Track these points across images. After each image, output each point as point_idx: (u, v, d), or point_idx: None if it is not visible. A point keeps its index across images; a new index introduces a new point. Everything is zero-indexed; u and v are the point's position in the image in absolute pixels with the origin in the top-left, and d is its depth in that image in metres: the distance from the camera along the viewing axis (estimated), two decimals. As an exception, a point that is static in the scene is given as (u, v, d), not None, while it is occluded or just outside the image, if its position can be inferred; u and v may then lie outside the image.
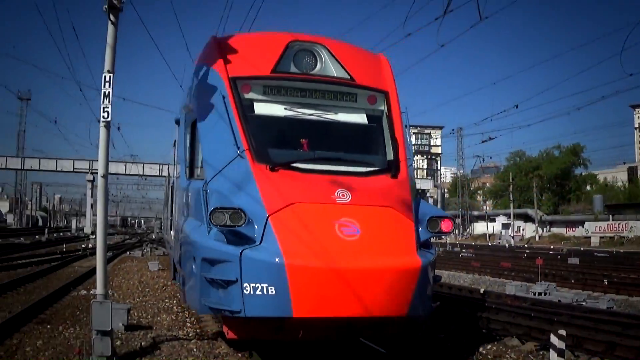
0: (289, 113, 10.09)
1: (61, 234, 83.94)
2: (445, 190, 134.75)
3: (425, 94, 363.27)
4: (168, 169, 17.70)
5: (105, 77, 9.55)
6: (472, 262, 35.44)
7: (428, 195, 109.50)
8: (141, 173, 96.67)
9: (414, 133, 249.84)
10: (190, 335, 11.55)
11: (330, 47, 10.64)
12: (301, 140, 9.90)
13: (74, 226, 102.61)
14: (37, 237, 61.39)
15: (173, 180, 15.24)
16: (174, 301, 16.13)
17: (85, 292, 17.72)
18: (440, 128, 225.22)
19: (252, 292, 7.86)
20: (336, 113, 10.37)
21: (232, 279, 8.03)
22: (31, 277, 21.04)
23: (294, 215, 8.28)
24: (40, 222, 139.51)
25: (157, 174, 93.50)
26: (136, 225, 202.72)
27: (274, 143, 9.85)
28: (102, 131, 9.62)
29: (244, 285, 7.89)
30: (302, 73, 10.32)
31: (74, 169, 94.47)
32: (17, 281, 19.23)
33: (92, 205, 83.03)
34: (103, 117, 9.55)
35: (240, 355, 9.69)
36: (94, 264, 9.74)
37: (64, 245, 43.66)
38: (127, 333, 11.31)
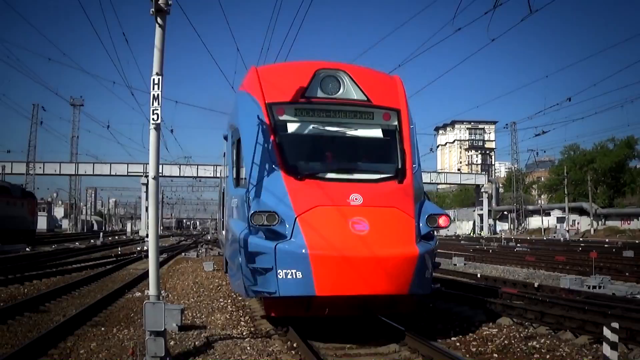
0: (316, 131, 11.96)
1: (116, 237, 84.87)
2: (500, 185, 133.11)
3: (477, 89, 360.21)
4: (221, 172, 19.38)
5: (154, 79, 9.60)
6: (527, 256, 34.87)
7: (482, 190, 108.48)
8: (195, 175, 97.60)
9: (467, 128, 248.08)
10: (244, 333, 11.58)
11: (351, 72, 12.54)
12: (326, 153, 11.99)
13: (129, 229, 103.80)
14: (92, 241, 62.21)
15: (224, 186, 17.20)
16: (229, 300, 16.24)
17: (139, 294, 17.87)
18: (494, 123, 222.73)
19: (284, 277, 9.87)
20: (356, 129, 12.22)
21: (268, 267, 10.01)
22: (86, 280, 21.21)
23: (317, 216, 10.25)
24: (95, 227, 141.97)
25: (211, 175, 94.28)
26: (191, 227, 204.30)
27: (303, 157, 11.78)
28: (152, 133, 9.70)
29: (278, 271, 9.90)
30: (327, 97, 12.25)
31: (127, 172, 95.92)
32: (71, 285, 19.36)
33: (146, 208, 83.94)
34: (153, 119, 9.61)
35: (283, 340, 10.68)
36: (148, 267, 9.84)
37: (119, 249, 44.28)
38: (180, 333, 11.38)
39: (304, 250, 9.76)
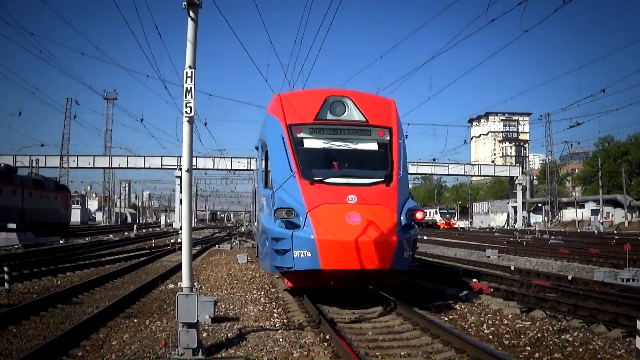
0: (325, 145, 15.25)
1: (150, 229, 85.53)
2: (534, 177, 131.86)
3: (511, 80, 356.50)
4: (254, 173, 23.13)
5: (186, 72, 9.66)
6: (561, 248, 34.53)
7: (516, 182, 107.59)
8: (229, 167, 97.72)
9: (501, 120, 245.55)
10: (277, 325, 11.65)
11: (354, 98, 15.79)
12: (332, 163, 15.09)
13: (163, 222, 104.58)
14: (125, 233, 62.89)
15: (256, 186, 21.18)
16: (262, 292, 16.35)
17: (172, 285, 18.04)
18: (528, 114, 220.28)
19: (298, 256, 12.97)
20: (357, 143, 15.41)
21: (287, 249, 13.13)
22: (119, 273, 21.37)
23: (322, 211, 13.36)
24: (129, 219, 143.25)
25: (245, 167, 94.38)
26: (225, 219, 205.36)
27: (314, 166, 14.73)
28: (186, 126, 9.76)
29: (294, 252, 13.01)
30: (335, 118, 15.50)
31: (161, 165, 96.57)
32: (105, 277, 19.50)
33: (180, 201, 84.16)
34: (186, 112, 9.67)
35: (316, 332, 11.07)
36: (182, 259, 9.92)
37: (153, 241, 44.78)
38: (213, 325, 11.47)
39: (312, 236, 12.89)
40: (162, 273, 20.82)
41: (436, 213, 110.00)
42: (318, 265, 12.91)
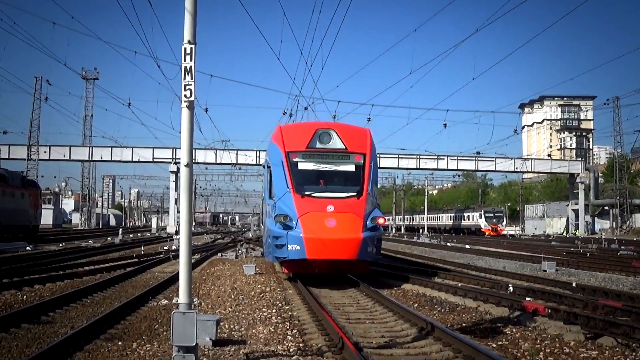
0: (314, 167, 23.57)
1: (139, 234, 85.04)
2: (599, 174, 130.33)
3: (571, 57, 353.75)
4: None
5: (185, 48, 9.55)
6: (634, 261, 34.29)
7: (578, 180, 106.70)
8: (234, 162, 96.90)
9: (559, 105, 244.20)
10: (291, 350, 11.59)
11: (337, 130, 24.29)
12: (319, 180, 23.45)
13: (154, 225, 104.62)
14: (109, 239, 62.85)
15: (263, 197, 28.80)
16: (273, 310, 16.35)
17: (166, 301, 18.02)
18: (592, 98, 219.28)
19: (291, 249, 20.99)
20: (338, 166, 23.66)
21: (283, 244, 21.20)
22: (100, 286, 21.20)
23: (308, 217, 21.28)
24: (113, 222, 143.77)
25: (253, 161, 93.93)
26: (229, 223, 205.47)
27: (305, 183, 22.86)
28: (185, 112, 9.69)
29: (288, 246, 21.05)
30: (322, 147, 23.83)
31: (153, 158, 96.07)
32: (82, 291, 19.26)
33: (176, 201, 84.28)
34: (185, 96, 9.57)
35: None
36: (177, 269, 9.87)
37: (142, 248, 44.73)
38: (215, 349, 11.45)
39: (301, 235, 20.89)
40: (154, 286, 20.68)
41: (480, 217, 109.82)
42: (304, 255, 21.01)
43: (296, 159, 23.35)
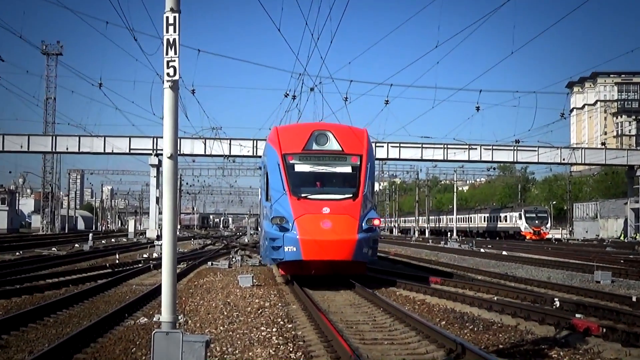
0: (311, 169, 27.45)
1: (113, 240, 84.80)
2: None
3: (631, 26, 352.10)
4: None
5: (167, 17, 9.50)
6: None
7: (639, 173, 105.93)
8: (227, 153, 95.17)
9: (615, 83, 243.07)
10: (294, 378, 11.59)
11: (334, 131, 28.17)
12: (315, 182, 27.28)
13: (131, 229, 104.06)
14: (77, 245, 62.88)
15: (260, 198, 33.59)
16: (274, 329, 16.35)
17: (145, 319, 17.89)
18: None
19: (287, 250, 25.27)
20: (335, 167, 27.66)
21: (280, 245, 25.44)
22: (66, 301, 21.00)
23: (304, 219, 25.40)
24: (82, 225, 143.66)
25: (250, 153, 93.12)
26: (221, 225, 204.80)
27: (301, 185, 26.76)
28: (168, 94, 9.62)
29: (284, 247, 25.31)
30: (319, 148, 27.68)
31: (130, 149, 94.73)
32: (44, 308, 19.02)
33: (157, 200, 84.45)
34: (168, 74, 9.49)
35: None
36: (159, 280, 9.85)
37: (117, 256, 44.94)
38: (205, 376, 11.42)
39: (297, 237, 24.81)
40: (130, 301, 20.63)
41: (520, 218, 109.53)
42: (301, 257, 24.96)
43: (292, 161, 27.36)
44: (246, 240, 75.79)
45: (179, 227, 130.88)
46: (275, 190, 26.61)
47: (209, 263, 40.94)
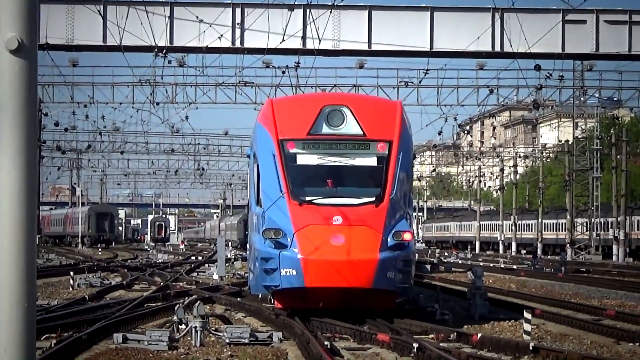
0: (319, 161, 22.78)
1: None
2: None
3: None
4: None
5: None
6: None
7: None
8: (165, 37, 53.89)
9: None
10: None
11: (352, 107, 22.77)
12: (324, 181, 23.00)
13: None
14: None
15: (248, 202, 30.35)
16: None
17: None
18: None
19: (284, 274, 20.84)
20: (353, 159, 22.74)
21: (275, 268, 21.15)
22: None
23: (308, 232, 21.19)
24: None
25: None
26: (149, 234, 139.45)
27: (305, 185, 22.76)
28: None
29: (281, 270, 20.94)
30: (331, 132, 22.59)
31: None
32: None
33: None
34: None
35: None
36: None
37: None
38: None
39: (298, 256, 20.76)
40: None
41: None
42: (302, 283, 20.56)
43: (294, 150, 22.13)
44: (215, 277, 42.58)
45: (41, 234, 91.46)
46: (268, 191, 21.48)
47: (118, 336, 18.43)
